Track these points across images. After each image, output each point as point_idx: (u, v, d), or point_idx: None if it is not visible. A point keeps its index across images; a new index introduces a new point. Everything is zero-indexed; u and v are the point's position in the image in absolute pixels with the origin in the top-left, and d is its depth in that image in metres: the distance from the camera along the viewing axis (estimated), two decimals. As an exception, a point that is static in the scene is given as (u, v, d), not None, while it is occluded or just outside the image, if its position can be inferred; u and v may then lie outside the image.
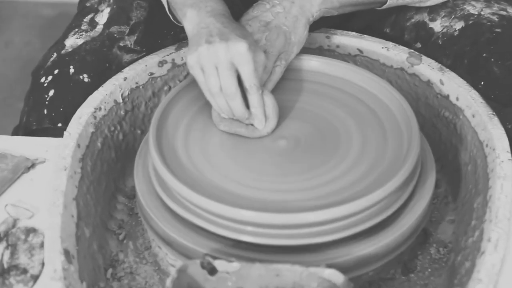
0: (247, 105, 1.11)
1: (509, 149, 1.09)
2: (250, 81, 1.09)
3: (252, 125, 1.12)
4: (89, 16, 1.37)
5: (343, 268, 0.99)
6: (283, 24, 1.18)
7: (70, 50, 1.31)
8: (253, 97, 1.10)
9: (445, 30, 1.32)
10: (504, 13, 1.32)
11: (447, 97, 1.21)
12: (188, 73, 1.28)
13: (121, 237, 1.15)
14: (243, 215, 1.00)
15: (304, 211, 1.00)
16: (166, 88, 1.28)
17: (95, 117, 1.18)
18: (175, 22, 1.24)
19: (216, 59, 1.07)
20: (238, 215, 1.00)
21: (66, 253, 1.00)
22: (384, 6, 1.29)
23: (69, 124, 1.16)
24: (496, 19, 1.30)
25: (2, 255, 1.05)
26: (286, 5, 1.19)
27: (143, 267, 1.12)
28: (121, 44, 1.32)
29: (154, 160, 1.08)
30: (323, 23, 1.30)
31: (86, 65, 1.29)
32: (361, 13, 1.35)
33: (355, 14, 1.35)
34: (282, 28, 1.17)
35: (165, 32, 1.35)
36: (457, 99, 1.19)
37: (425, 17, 1.36)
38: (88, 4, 1.42)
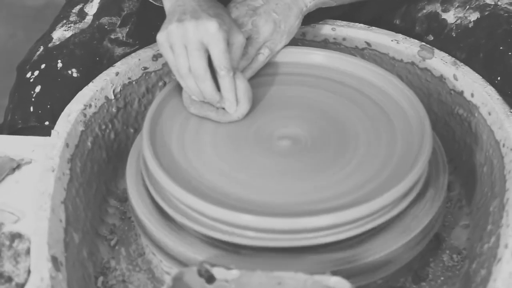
0: (219, 88, 1.12)
1: (527, 149, 1.09)
2: (219, 63, 1.09)
3: (223, 109, 1.13)
4: (78, 7, 1.38)
5: (349, 276, 0.99)
6: (273, 10, 1.18)
7: (57, 43, 1.32)
8: (224, 80, 1.11)
9: (459, 21, 1.32)
10: (522, 2, 1.32)
11: (461, 93, 1.22)
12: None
13: (112, 243, 1.16)
14: (243, 219, 1.00)
15: (306, 215, 1.00)
16: (160, 83, 1.28)
17: (85, 115, 1.18)
18: (155, 3, 1.25)
19: (185, 38, 1.09)
20: (238, 220, 1.00)
21: (54, 260, 1.00)
22: None
23: (57, 122, 1.16)
24: (514, 10, 1.31)
25: (-14, 262, 1.06)
26: None
27: (136, 275, 1.12)
28: (112, 37, 1.32)
29: (148, 161, 1.08)
30: (329, 14, 1.31)
31: (75, 59, 1.29)
32: (370, 3, 1.35)
33: (363, 5, 1.35)
34: (272, 15, 1.18)
35: (159, 24, 1.34)
36: (472, 95, 1.20)
37: (437, 7, 1.36)
38: (77, -6, 1.42)
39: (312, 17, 1.29)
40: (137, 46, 1.31)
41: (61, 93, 1.26)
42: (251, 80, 1.19)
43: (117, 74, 1.23)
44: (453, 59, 1.24)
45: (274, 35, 1.19)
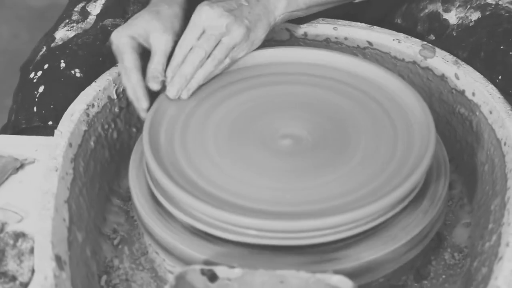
0: None
1: (528, 148, 1.09)
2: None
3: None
4: (80, 5, 1.38)
5: (351, 275, 0.99)
6: (245, 17, 1.17)
7: (60, 43, 1.32)
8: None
9: (460, 21, 1.33)
10: (523, 2, 1.32)
11: (462, 92, 1.22)
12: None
13: (116, 242, 1.16)
14: (245, 222, 1.00)
15: (307, 217, 1.00)
16: (163, 83, 1.28)
17: (87, 115, 1.18)
18: None
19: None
20: (240, 222, 1.01)
21: (58, 259, 1.00)
22: (357, 0, 1.28)
23: (60, 122, 1.16)
24: (515, 9, 1.31)
25: (-11, 261, 1.06)
26: (251, 0, 1.18)
27: (139, 274, 1.13)
28: (115, 38, 1.32)
29: (148, 162, 1.08)
30: (330, 13, 1.31)
31: (78, 59, 1.29)
32: (374, 2, 1.35)
33: (368, 5, 1.35)
34: (244, 21, 1.16)
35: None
36: (473, 94, 1.20)
37: (439, 7, 1.36)
38: (80, -7, 1.42)
39: (312, 16, 1.29)
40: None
41: (64, 93, 1.26)
42: (252, 80, 1.20)
43: (119, 74, 1.23)
44: (455, 58, 1.24)
45: (242, 42, 1.17)
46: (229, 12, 1.15)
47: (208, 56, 1.15)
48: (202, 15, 1.15)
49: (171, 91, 1.15)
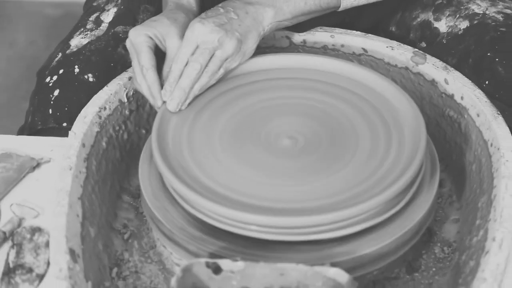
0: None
1: (513, 149, 1.10)
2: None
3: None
4: (95, 15, 1.39)
5: (347, 267, 1.00)
6: (236, 30, 1.16)
7: (75, 50, 1.32)
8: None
9: (450, 29, 1.33)
10: (509, 11, 1.32)
11: (451, 96, 1.22)
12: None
13: (126, 236, 1.16)
14: (248, 218, 1.01)
15: (306, 214, 1.00)
16: (170, 87, 1.28)
17: (100, 117, 1.19)
18: None
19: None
20: (243, 218, 1.01)
21: (72, 252, 1.01)
22: (340, 9, 1.29)
23: (74, 124, 1.16)
24: (501, 18, 1.31)
25: (8, 254, 1.06)
26: (240, 13, 1.18)
27: (148, 266, 1.13)
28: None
29: (157, 162, 1.08)
30: (327, 22, 1.31)
31: (91, 65, 1.30)
32: (367, 12, 1.36)
33: (362, 13, 1.36)
34: (235, 34, 1.16)
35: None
36: (462, 98, 1.20)
37: (430, 16, 1.36)
38: (95, 4, 1.43)
39: (310, 25, 1.30)
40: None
41: (77, 96, 1.27)
42: (255, 84, 1.20)
43: (129, 78, 1.24)
44: (444, 64, 1.24)
45: (234, 54, 1.17)
46: (220, 26, 1.15)
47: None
48: (195, 31, 1.14)
49: (171, 105, 1.15)
